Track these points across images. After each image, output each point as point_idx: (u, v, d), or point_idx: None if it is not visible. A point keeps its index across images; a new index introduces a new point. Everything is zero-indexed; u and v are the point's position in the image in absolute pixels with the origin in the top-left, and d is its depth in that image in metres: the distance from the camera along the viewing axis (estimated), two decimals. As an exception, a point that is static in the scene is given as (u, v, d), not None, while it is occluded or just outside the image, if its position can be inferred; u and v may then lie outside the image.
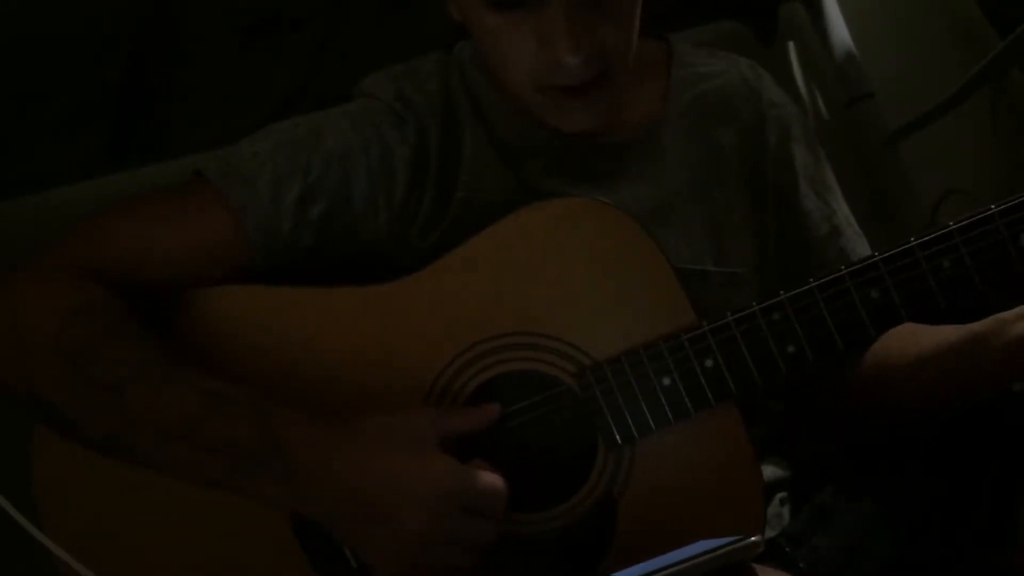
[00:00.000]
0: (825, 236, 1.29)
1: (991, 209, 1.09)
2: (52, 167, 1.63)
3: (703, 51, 1.34)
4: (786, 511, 1.28)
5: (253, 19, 1.63)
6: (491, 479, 1.08)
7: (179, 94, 1.67)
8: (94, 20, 1.53)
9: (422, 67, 1.25)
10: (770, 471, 1.26)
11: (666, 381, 1.13)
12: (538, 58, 1.14)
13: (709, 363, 1.12)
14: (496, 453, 1.11)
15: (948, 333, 1.17)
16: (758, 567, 1.02)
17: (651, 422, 1.13)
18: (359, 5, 1.68)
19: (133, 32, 1.58)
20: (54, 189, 1.60)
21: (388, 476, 1.06)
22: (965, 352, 1.16)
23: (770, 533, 1.23)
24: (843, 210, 1.32)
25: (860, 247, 1.31)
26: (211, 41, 1.63)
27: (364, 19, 1.69)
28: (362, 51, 1.69)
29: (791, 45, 1.90)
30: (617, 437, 1.14)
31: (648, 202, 1.21)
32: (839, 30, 1.87)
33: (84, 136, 1.64)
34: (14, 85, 1.55)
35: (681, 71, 1.30)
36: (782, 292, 1.12)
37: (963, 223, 1.10)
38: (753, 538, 0.98)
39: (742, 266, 1.26)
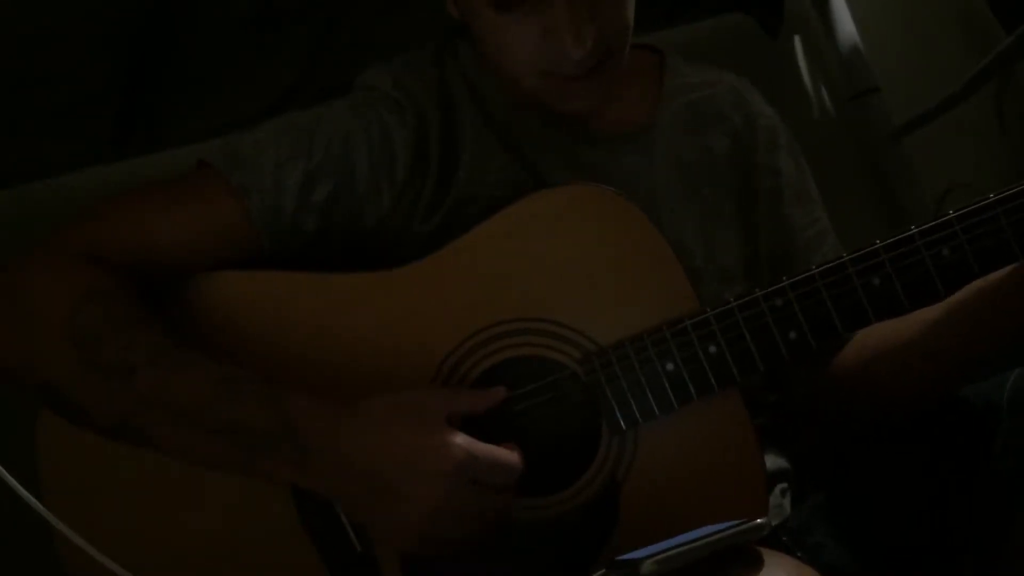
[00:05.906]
0: (809, 240, 1.31)
1: (990, 198, 1.10)
2: (55, 156, 1.63)
3: (694, 64, 1.36)
4: (787, 502, 1.28)
5: (256, 10, 1.63)
6: (500, 452, 1.08)
7: (181, 85, 1.67)
8: (98, 9, 1.53)
9: (419, 58, 1.27)
10: (771, 461, 1.26)
11: (669, 366, 1.13)
12: (542, 50, 1.15)
13: (712, 349, 1.13)
14: (501, 437, 1.10)
15: (927, 312, 1.17)
16: (761, 549, 1.01)
17: (654, 407, 1.13)
18: (360, -2, 1.68)
19: (136, 22, 1.58)
20: (57, 177, 1.60)
21: (397, 452, 1.06)
22: (945, 322, 1.16)
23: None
24: (825, 220, 1.34)
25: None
26: (213, 32, 1.63)
27: (365, 12, 1.69)
28: (363, 43, 1.70)
29: (797, 39, 1.91)
30: (621, 422, 1.14)
31: (639, 197, 1.21)
32: (845, 24, 1.87)
33: (87, 125, 1.64)
34: (18, 74, 1.55)
35: (674, 80, 1.32)
36: (784, 278, 1.13)
37: (962, 211, 1.10)
38: (759, 520, 0.98)
39: (731, 264, 1.27)
